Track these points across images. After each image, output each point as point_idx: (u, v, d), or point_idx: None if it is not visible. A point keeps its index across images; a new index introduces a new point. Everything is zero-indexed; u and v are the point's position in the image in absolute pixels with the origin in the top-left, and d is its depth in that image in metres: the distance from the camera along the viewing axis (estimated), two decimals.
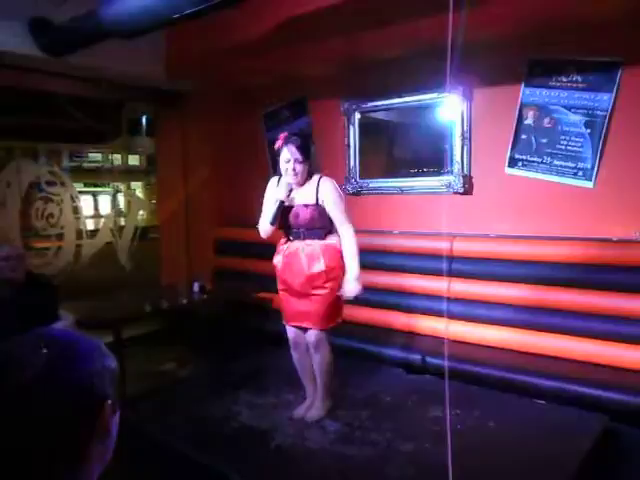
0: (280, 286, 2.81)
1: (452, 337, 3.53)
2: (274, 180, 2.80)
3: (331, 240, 2.70)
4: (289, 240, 2.75)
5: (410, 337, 3.67)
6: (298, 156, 2.60)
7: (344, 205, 2.71)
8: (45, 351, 0.69)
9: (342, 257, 2.69)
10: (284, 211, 2.68)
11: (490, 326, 3.48)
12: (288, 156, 2.61)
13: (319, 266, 2.64)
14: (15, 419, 0.66)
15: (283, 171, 2.64)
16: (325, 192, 2.66)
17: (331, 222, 2.71)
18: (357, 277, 2.65)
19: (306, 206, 2.65)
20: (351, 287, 2.65)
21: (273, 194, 2.70)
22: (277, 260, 2.79)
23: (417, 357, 3.36)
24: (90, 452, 0.70)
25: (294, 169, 2.61)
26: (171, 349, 4.69)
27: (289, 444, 2.47)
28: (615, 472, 2.66)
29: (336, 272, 2.67)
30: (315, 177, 2.71)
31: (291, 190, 2.64)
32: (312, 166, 2.72)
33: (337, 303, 2.73)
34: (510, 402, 2.84)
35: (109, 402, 0.72)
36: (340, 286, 2.68)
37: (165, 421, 2.73)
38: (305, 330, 2.75)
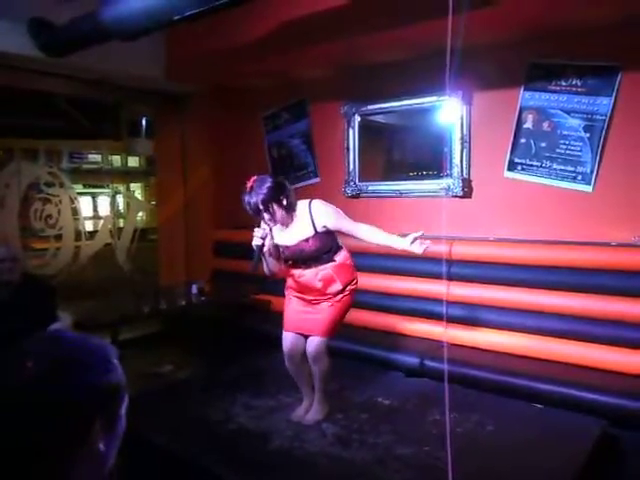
0: (290, 292, 2.77)
1: (451, 341, 3.52)
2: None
3: (340, 258, 2.68)
4: (300, 269, 2.68)
5: (409, 340, 3.67)
6: (258, 208, 2.50)
7: (343, 215, 2.64)
8: (51, 355, 0.70)
9: (353, 268, 2.70)
10: (286, 251, 2.65)
11: (489, 330, 3.47)
12: (250, 212, 2.54)
13: (336, 287, 2.64)
14: (22, 420, 0.66)
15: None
16: (321, 215, 2.59)
17: (335, 243, 2.69)
18: (405, 241, 2.55)
19: (307, 240, 2.59)
20: (416, 248, 2.55)
21: (253, 240, 2.58)
22: (290, 283, 2.76)
23: (415, 360, 3.36)
24: (98, 445, 0.71)
25: (264, 219, 2.54)
26: (169, 351, 4.67)
27: (287, 447, 2.47)
28: (614, 477, 2.65)
29: (350, 284, 2.68)
30: (301, 207, 2.62)
31: (265, 237, 2.56)
32: (289, 200, 2.57)
33: (342, 316, 2.72)
34: (509, 406, 2.84)
35: (119, 398, 0.75)
36: (352, 299, 2.70)
37: (162, 423, 2.72)
38: (304, 338, 2.72)
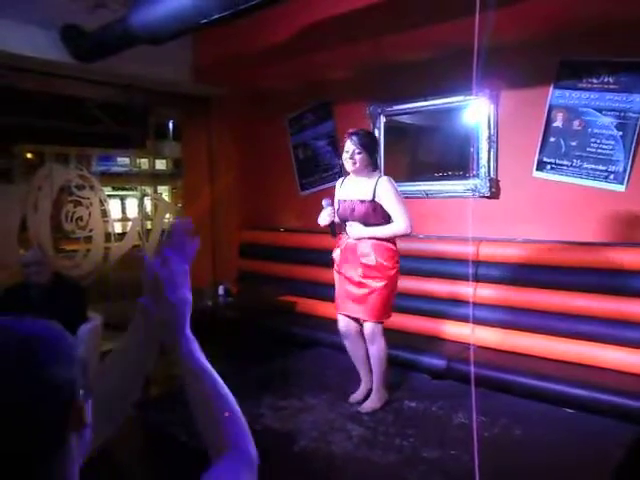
0: (336, 275, 2.99)
1: (477, 343, 3.48)
2: (339, 181, 3.05)
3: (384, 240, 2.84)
4: (346, 233, 2.92)
5: (435, 342, 3.63)
6: (357, 147, 2.80)
7: (403, 205, 2.81)
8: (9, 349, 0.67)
9: (395, 255, 2.83)
10: (341, 205, 2.91)
11: (516, 332, 3.41)
12: (348, 147, 2.83)
13: (369, 261, 2.78)
14: None
15: (344, 161, 2.86)
16: (382, 189, 2.80)
17: (386, 221, 2.83)
18: (359, 231, 2.82)
19: (362, 202, 2.81)
20: (352, 230, 2.85)
21: (319, 220, 2.91)
22: (335, 254, 2.99)
23: (442, 362, 3.32)
24: (68, 444, 0.68)
25: (352, 158, 2.81)
26: None
27: (312, 448, 2.47)
28: None
29: (388, 270, 2.80)
30: (375, 174, 2.86)
31: (333, 214, 2.87)
32: (375, 163, 2.89)
33: (389, 299, 2.85)
34: (537, 410, 2.78)
35: (81, 392, 0.70)
36: (395, 284, 2.85)
37: (188, 423, 2.74)
38: (355, 320, 2.92)
